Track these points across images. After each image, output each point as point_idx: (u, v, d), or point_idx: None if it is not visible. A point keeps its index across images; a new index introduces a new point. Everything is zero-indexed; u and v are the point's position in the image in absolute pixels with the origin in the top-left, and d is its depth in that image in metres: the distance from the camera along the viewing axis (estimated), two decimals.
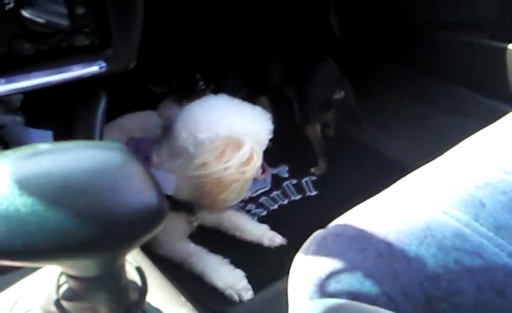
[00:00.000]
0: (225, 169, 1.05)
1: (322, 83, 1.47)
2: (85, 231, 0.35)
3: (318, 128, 1.47)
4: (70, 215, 0.34)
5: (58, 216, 0.34)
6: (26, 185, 0.35)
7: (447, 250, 0.49)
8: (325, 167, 1.47)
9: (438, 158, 0.64)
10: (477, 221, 0.51)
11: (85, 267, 0.39)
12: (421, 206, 0.55)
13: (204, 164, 1.05)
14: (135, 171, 0.37)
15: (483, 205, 0.53)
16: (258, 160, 1.10)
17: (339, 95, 1.47)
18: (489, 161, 0.59)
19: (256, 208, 1.36)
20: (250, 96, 1.53)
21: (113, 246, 0.37)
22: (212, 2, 1.80)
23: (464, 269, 0.47)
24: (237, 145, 1.07)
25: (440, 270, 0.47)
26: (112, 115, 1.25)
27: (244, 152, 1.07)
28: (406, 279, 0.47)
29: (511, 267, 0.47)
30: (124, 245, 0.38)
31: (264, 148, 1.14)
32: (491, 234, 0.50)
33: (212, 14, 1.81)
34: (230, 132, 1.07)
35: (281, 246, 1.21)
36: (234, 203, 1.16)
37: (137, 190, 0.36)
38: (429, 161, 0.64)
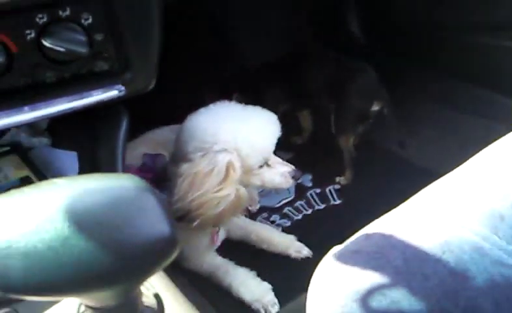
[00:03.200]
0: (201, 195, 1.02)
1: (361, 94, 1.44)
2: (101, 265, 0.36)
3: (351, 139, 1.45)
4: (86, 251, 0.36)
5: (74, 252, 0.36)
6: (43, 222, 0.36)
7: (465, 266, 0.48)
8: (351, 178, 1.46)
9: (459, 168, 0.63)
10: (496, 234, 0.50)
11: (101, 298, 0.41)
12: (439, 220, 0.54)
13: (178, 199, 1.03)
14: (148, 203, 0.38)
15: (502, 218, 0.52)
16: (235, 173, 1.04)
17: (376, 106, 1.44)
18: (508, 171, 0.58)
19: (281, 218, 1.36)
20: (290, 110, 1.52)
21: (128, 278, 0.38)
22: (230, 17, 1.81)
23: (482, 285, 0.46)
24: (211, 167, 1.03)
25: (457, 286, 0.47)
26: (139, 129, 1.28)
27: (219, 170, 1.03)
28: (424, 296, 0.47)
29: None
30: (140, 276, 0.39)
31: (269, 152, 1.09)
32: (511, 248, 0.49)
33: (234, 29, 1.81)
34: (224, 144, 1.04)
35: (307, 258, 1.21)
36: (234, 217, 1.14)
37: (150, 222, 0.38)
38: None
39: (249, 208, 1.35)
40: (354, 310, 0.49)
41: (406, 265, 0.50)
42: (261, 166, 1.09)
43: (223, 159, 1.03)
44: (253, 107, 1.12)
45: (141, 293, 0.46)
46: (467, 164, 0.63)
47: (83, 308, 0.46)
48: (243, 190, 1.07)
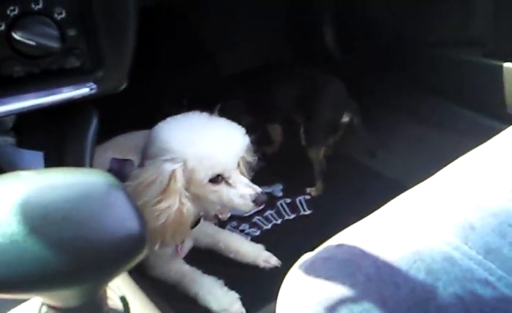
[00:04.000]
0: (141, 206, 0.97)
1: (330, 106, 1.45)
2: (65, 262, 0.34)
3: (322, 151, 1.46)
4: (49, 246, 0.34)
5: (37, 247, 0.34)
6: (5, 215, 0.34)
7: (436, 275, 0.48)
8: (322, 189, 1.46)
9: (430, 179, 0.64)
10: (466, 244, 0.50)
11: (65, 297, 0.39)
12: (410, 229, 0.54)
13: None
14: (117, 199, 0.37)
15: (472, 228, 0.52)
16: (176, 184, 1.00)
17: (346, 118, 1.45)
18: (480, 182, 0.59)
19: (250, 227, 1.36)
20: (257, 122, 1.51)
21: (93, 276, 0.37)
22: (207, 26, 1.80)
23: (453, 295, 0.46)
24: (155, 176, 1.00)
25: (428, 295, 0.47)
26: (108, 134, 1.25)
27: (162, 180, 0.99)
28: (395, 305, 0.47)
29: (500, 292, 0.46)
30: (105, 275, 0.37)
31: (224, 168, 1.04)
32: (480, 258, 0.49)
33: (208, 37, 1.81)
34: (174, 154, 1.01)
35: (276, 267, 1.20)
36: (180, 232, 1.06)
37: (118, 219, 0.36)
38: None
39: (220, 216, 1.34)
40: None
41: (377, 273, 0.50)
42: (218, 182, 1.04)
43: (167, 169, 1.00)
44: (223, 120, 1.10)
45: (106, 295, 0.44)
46: (438, 175, 0.64)
47: (45, 309, 0.44)
48: (188, 205, 1.03)
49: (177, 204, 1.01)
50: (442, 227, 0.52)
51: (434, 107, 1.57)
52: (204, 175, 1.02)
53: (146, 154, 1.07)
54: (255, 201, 1.06)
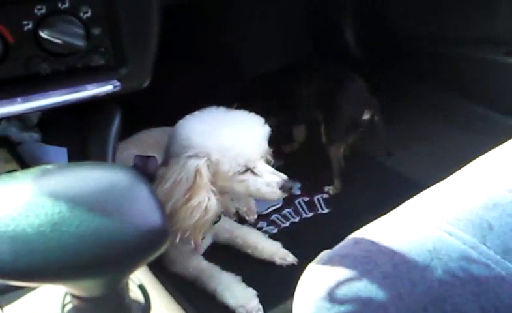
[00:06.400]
0: (173, 205, 0.99)
1: (351, 104, 1.45)
2: (89, 253, 0.36)
3: (342, 149, 1.45)
4: (75, 237, 0.35)
5: (63, 238, 0.35)
6: (33, 206, 0.36)
7: (452, 273, 0.48)
8: (340, 188, 1.47)
9: (449, 178, 0.64)
10: (484, 243, 0.51)
11: (88, 287, 0.40)
12: (428, 227, 0.54)
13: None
14: (140, 192, 0.38)
15: (490, 227, 0.52)
16: (202, 180, 1.00)
17: (367, 115, 1.45)
18: (499, 182, 0.59)
19: (268, 225, 1.36)
20: (282, 123, 1.51)
21: (117, 267, 0.38)
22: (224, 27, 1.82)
23: (469, 293, 0.46)
24: (181, 174, 1.00)
25: (445, 293, 0.47)
26: (130, 130, 1.27)
27: (188, 177, 0.99)
28: (411, 302, 0.47)
29: None
30: (128, 266, 0.38)
31: (249, 159, 1.04)
32: (498, 257, 0.49)
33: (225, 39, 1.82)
34: (196, 149, 1.02)
35: (292, 265, 1.21)
36: (206, 226, 1.07)
37: (141, 212, 0.37)
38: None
39: (247, 218, 1.35)
40: (342, 312, 0.49)
41: (394, 270, 0.50)
42: (243, 173, 1.05)
43: (191, 165, 1.00)
44: (240, 112, 1.10)
45: (128, 286, 0.45)
46: (456, 175, 0.64)
47: (68, 299, 0.45)
48: (213, 200, 1.03)
49: (206, 200, 1.01)
50: (459, 226, 0.53)
51: (454, 106, 1.56)
52: (228, 166, 1.02)
53: (170, 152, 1.07)
54: (282, 188, 1.05)
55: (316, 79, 1.51)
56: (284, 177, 1.06)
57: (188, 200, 1.00)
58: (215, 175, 1.03)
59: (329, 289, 0.52)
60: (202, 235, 1.12)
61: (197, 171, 1.00)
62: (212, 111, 1.10)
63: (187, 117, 1.10)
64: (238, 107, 1.15)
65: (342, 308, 0.50)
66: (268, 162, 1.10)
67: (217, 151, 1.02)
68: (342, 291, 0.51)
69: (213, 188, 1.04)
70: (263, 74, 1.61)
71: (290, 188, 1.07)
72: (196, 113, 1.11)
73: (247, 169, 1.05)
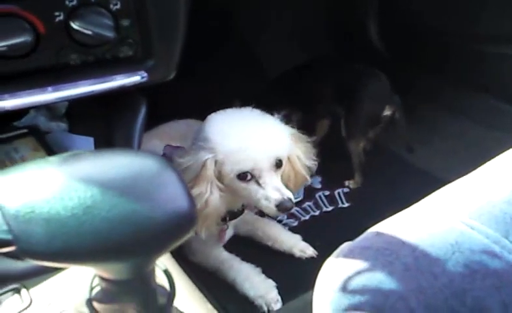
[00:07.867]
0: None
1: (373, 99, 1.46)
2: (120, 236, 0.37)
3: (362, 144, 1.46)
4: (106, 220, 0.37)
5: (95, 221, 0.37)
6: (67, 190, 0.37)
7: (474, 267, 0.49)
8: (360, 182, 1.47)
9: (471, 173, 0.64)
10: (507, 238, 0.51)
11: (117, 270, 0.42)
12: (450, 221, 0.55)
13: None
14: (169, 178, 0.39)
15: None
16: (207, 172, 1.02)
17: (388, 112, 1.45)
18: None
19: (288, 218, 1.37)
20: (304, 119, 1.52)
21: (145, 251, 0.39)
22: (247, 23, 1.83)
23: (491, 287, 0.47)
24: (191, 162, 1.03)
25: (466, 286, 0.47)
26: (155, 121, 1.29)
27: (196, 166, 1.02)
28: (432, 294, 0.48)
29: None
30: (156, 250, 0.40)
31: (253, 167, 1.03)
32: None
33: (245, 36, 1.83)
34: (209, 144, 1.04)
35: (312, 258, 1.22)
36: (208, 223, 1.07)
37: (170, 197, 0.38)
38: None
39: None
40: (362, 303, 0.50)
41: (415, 262, 0.51)
42: (249, 180, 1.04)
43: (201, 156, 1.02)
44: (272, 119, 1.09)
45: (154, 271, 0.47)
46: (478, 170, 0.64)
47: (96, 281, 0.47)
48: (215, 195, 1.03)
49: (208, 193, 1.02)
50: (482, 220, 0.53)
51: (476, 103, 1.54)
52: (230, 169, 1.03)
53: (194, 142, 1.10)
54: (278, 206, 1.02)
55: (338, 74, 1.52)
56: (287, 195, 1.03)
57: (190, 188, 1.01)
58: (219, 173, 1.05)
59: (349, 280, 0.53)
60: (204, 228, 1.09)
61: (204, 164, 1.02)
62: (244, 112, 1.11)
63: (220, 111, 1.13)
64: (261, 105, 1.15)
65: (362, 299, 0.51)
66: (280, 174, 1.08)
67: (223, 151, 1.03)
68: (363, 282, 0.52)
69: (219, 184, 1.05)
70: (286, 71, 1.62)
71: (288, 209, 1.04)
72: (229, 110, 1.13)
73: (252, 177, 1.04)
